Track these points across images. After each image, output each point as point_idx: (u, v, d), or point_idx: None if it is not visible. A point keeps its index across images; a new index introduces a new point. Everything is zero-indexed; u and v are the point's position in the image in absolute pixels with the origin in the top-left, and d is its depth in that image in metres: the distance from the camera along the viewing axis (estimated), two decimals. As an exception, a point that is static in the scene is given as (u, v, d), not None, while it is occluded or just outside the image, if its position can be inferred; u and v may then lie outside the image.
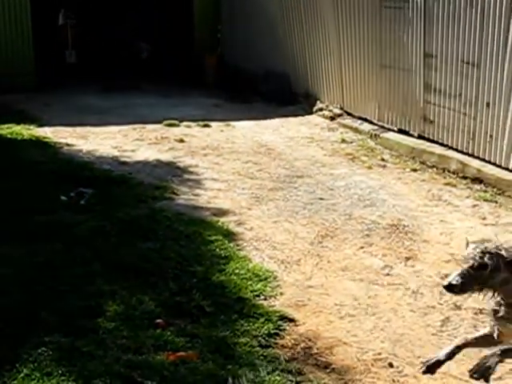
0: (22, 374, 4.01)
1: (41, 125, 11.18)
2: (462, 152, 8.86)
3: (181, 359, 4.26)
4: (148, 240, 6.19)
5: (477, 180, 8.29)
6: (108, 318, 4.76)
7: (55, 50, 18.50)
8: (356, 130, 11.08)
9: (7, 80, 14.23)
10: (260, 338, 4.62)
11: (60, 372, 4.04)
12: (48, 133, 10.63)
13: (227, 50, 16.71)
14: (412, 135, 10.01)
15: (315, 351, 4.56)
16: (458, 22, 8.81)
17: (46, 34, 17.21)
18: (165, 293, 5.16)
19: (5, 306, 4.78)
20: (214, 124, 11.68)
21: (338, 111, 11.98)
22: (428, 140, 9.61)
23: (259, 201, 7.63)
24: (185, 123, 11.60)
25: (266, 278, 5.58)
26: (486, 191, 7.98)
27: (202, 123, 11.60)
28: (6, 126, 10.85)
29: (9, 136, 10.26)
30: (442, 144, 9.31)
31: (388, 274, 5.81)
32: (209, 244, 6.21)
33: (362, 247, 6.38)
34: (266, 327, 4.75)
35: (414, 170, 8.98)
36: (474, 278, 3.49)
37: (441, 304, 5.27)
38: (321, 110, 12.40)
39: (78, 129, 11.03)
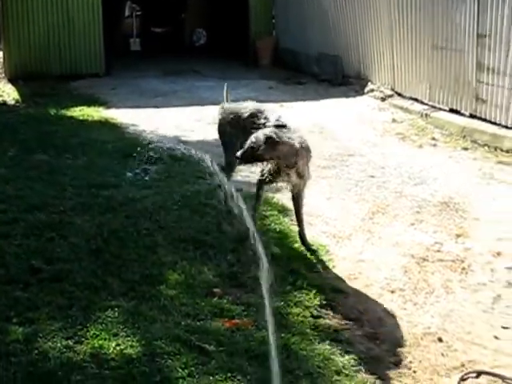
0: (91, 333, 4.09)
1: (108, 107, 11.39)
2: (514, 130, 8.60)
3: (236, 326, 4.27)
4: (207, 214, 6.20)
5: (529, 158, 8.05)
6: (169, 285, 4.80)
7: (121, 38, 18.79)
8: (406, 110, 10.90)
9: (79, 66, 14.57)
10: (312, 309, 4.59)
11: (125, 333, 4.11)
12: (115, 114, 10.74)
13: (281, 34, 16.62)
14: (463, 114, 9.79)
15: (365, 323, 4.52)
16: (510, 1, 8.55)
17: (113, 24, 17.48)
18: (223, 264, 5.17)
19: (76, 271, 4.86)
20: (268, 105, 11.59)
21: (388, 92, 11.82)
22: (480, 119, 9.37)
23: (312, 178, 7.55)
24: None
25: (318, 252, 5.55)
26: (539, 169, 7.71)
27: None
28: (79, 108, 11.09)
29: (80, 117, 10.46)
30: (494, 123, 9.06)
31: (438, 251, 5.69)
32: (264, 219, 6.19)
33: (412, 224, 6.28)
34: (318, 298, 4.72)
35: (465, 149, 8.78)
36: (251, 154, 5.15)
37: (492, 281, 5.14)
38: (372, 91, 12.25)
39: (142, 110, 11.14)
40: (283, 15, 16.50)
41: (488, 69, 9.17)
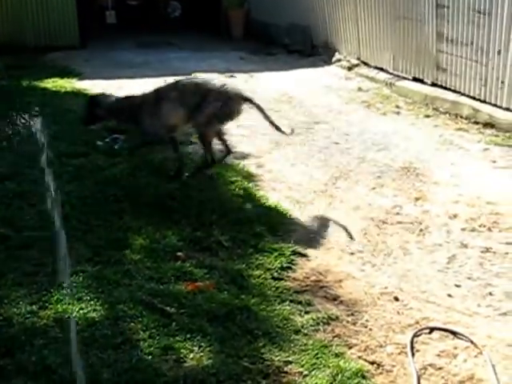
0: (55, 298, 4.04)
1: (81, 78, 11.16)
2: (473, 98, 8.56)
3: (198, 289, 4.23)
4: (173, 181, 6.12)
5: (488, 125, 8.02)
6: (134, 250, 4.75)
7: (97, 10, 18.46)
8: (372, 79, 10.84)
9: (52, 38, 14.27)
10: (273, 271, 4.56)
11: (89, 298, 4.06)
12: (87, 86, 10.54)
13: (253, 5, 16.41)
14: (426, 83, 9.75)
15: (325, 284, 4.48)
16: (468, -29, 8.48)
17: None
18: (187, 229, 5.11)
19: (44, 238, 4.77)
20: (238, 75, 11.50)
21: (355, 62, 11.73)
22: (441, 87, 9.33)
23: (278, 145, 7.52)
24: (212, 75, 11.39)
25: (281, 216, 5.50)
26: (497, 136, 7.70)
27: (228, 74, 11.42)
28: (52, 80, 10.85)
29: (53, 89, 10.24)
30: (454, 91, 9.03)
31: (398, 214, 5.67)
32: (229, 184, 6.14)
33: (373, 188, 6.25)
34: (278, 261, 4.69)
35: (427, 116, 8.76)
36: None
37: (448, 242, 5.13)
38: (339, 60, 12.15)
39: (115, 81, 10.93)
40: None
41: (447, 39, 9.11)
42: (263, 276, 4.49)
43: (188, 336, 3.72)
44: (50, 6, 14.42)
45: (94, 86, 10.44)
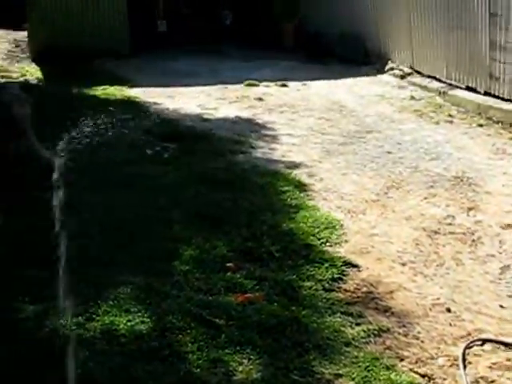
0: (102, 310, 4.03)
1: (132, 86, 11.25)
2: (527, 107, 8.41)
3: (248, 300, 4.19)
4: (224, 190, 6.09)
5: (543, 135, 7.85)
6: (183, 261, 4.72)
7: (147, 19, 18.65)
8: (425, 88, 10.70)
9: (103, 46, 14.42)
10: (324, 283, 4.49)
11: (136, 309, 4.04)
12: (138, 93, 10.64)
13: (305, 15, 16.35)
14: (479, 92, 9.57)
15: (376, 296, 4.40)
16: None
17: (139, 5, 17.35)
18: (237, 239, 5.08)
19: (90, 247, 4.79)
20: (291, 84, 11.48)
21: (408, 70, 11.62)
22: (494, 96, 9.16)
23: (330, 154, 7.45)
24: (264, 83, 11.45)
25: (332, 227, 5.42)
26: (551, 147, 7.53)
27: (279, 83, 11.42)
28: (102, 87, 10.97)
29: (103, 96, 10.35)
30: (507, 100, 8.85)
31: (450, 224, 5.55)
32: (280, 194, 6.09)
33: (425, 198, 6.14)
34: (330, 272, 4.62)
35: (480, 126, 8.59)
36: None
37: (500, 253, 5.01)
38: (392, 69, 12.04)
39: (166, 90, 11.03)
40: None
41: (500, 47, 8.94)
42: (314, 287, 4.42)
43: (237, 348, 3.68)
44: (101, 13, 14.58)
45: (144, 94, 10.55)
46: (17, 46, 15.89)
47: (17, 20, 16.30)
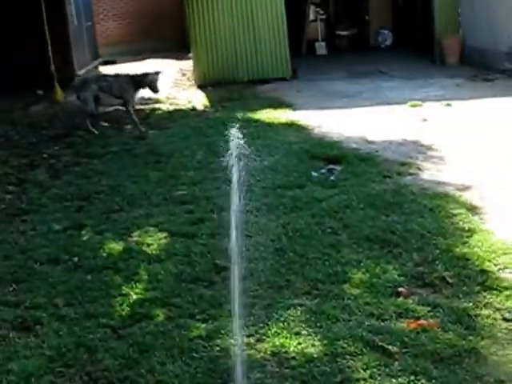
0: (272, 331, 4.05)
1: (294, 109, 11.33)
2: None
3: (422, 327, 4.03)
4: (393, 213, 5.95)
5: None
6: (353, 284, 4.66)
7: (306, 42, 18.86)
8: None
9: (265, 71, 14.75)
10: (503, 311, 4.23)
11: (306, 332, 4.03)
12: (301, 116, 10.71)
13: (468, 30, 15.81)
14: None
15: None
16: None
17: (298, 29, 17.61)
18: (408, 263, 4.94)
19: (260, 270, 4.83)
20: (455, 103, 11.08)
21: None
22: None
23: (504, 176, 7.06)
24: (428, 103, 11.12)
25: (510, 252, 5.11)
26: None
27: (444, 102, 11.04)
28: (265, 111, 11.13)
29: (267, 120, 10.50)
30: None
31: None
32: (452, 217, 5.84)
33: None
34: (510, 301, 4.34)
35: None
36: None
37: None
38: None
39: (327, 112, 11.01)
40: (469, 12, 15.71)
41: None
42: (492, 316, 4.18)
43: (411, 378, 3.55)
44: (261, 39, 14.88)
45: (306, 116, 10.59)
46: (183, 75, 16.61)
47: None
